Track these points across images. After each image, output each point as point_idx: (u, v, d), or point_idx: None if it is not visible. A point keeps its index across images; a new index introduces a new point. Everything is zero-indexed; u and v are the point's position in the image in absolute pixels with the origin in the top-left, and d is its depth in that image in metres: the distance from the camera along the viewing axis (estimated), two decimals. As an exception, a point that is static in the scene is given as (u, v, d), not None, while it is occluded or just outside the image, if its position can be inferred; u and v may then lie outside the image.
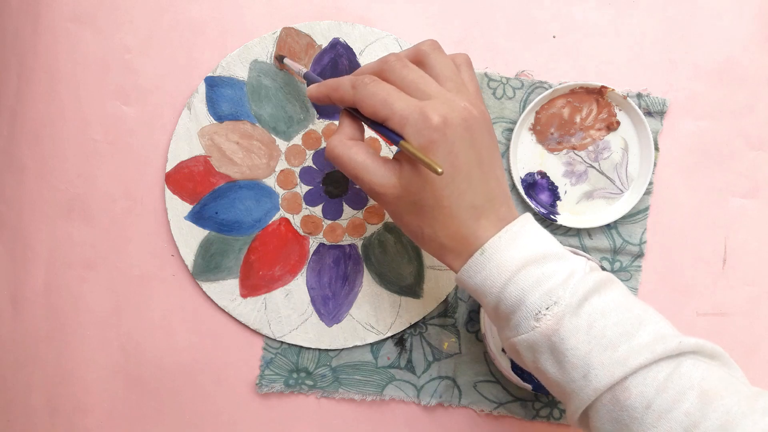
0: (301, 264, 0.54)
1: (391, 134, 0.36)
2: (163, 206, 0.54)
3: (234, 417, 0.54)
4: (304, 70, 0.48)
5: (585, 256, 0.53)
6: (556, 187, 0.54)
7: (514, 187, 0.54)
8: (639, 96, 0.54)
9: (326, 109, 0.54)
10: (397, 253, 0.54)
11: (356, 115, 0.40)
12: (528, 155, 0.54)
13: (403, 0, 0.54)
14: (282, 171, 0.54)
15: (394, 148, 0.54)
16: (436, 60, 0.39)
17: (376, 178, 0.38)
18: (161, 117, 0.54)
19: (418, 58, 0.39)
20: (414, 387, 0.54)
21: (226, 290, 0.54)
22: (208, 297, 0.54)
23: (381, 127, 0.37)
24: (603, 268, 0.52)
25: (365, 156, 0.38)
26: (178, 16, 0.54)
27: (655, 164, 0.54)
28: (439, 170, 0.33)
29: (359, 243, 0.54)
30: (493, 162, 0.38)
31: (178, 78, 0.54)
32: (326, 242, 0.54)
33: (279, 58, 0.52)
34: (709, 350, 0.37)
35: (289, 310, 0.54)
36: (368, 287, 0.54)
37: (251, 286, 0.54)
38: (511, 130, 0.54)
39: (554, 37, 0.55)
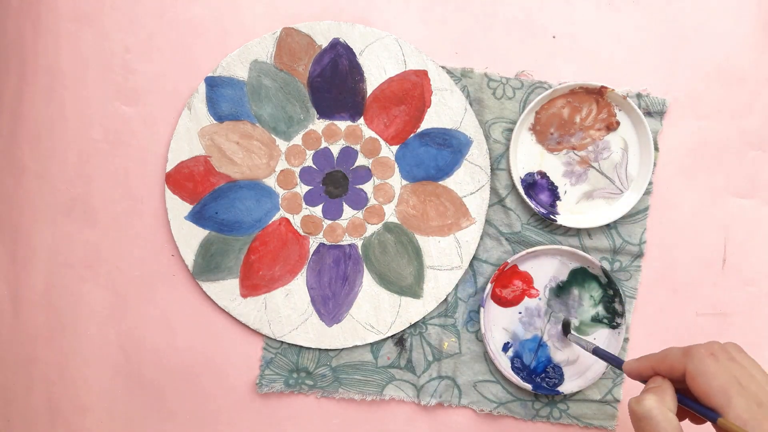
0: (301, 264, 0.54)
1: (707, 411, 0.35)
2: (163, 206, 0.54)
3: (234, 417, 0.54)
4: (593, 345, 0.48)
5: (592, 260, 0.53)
6: (556, 187, 0.54)
7: (513, 187, 0.54)
8: (639, 96, 0.54)
9: (327, 109, 0.54)
10: (397, 253, 0.54)
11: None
12: (528, 155, 0.54)
13: (403, 0, 0.54)
14: (282, 171, 0.54)
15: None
16: (746, 362, 0.38)
17: None
18: (161, 117, 0.54)
19: (730, 356, 0.39)
20: (414, 387, 0.54)
21: (226, 290, 0.54)
22: (208, 297, 0.54)
23: (695, 404, 0.37)
24: (603, 268, 0.52)
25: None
26: (178, 16, 0.54)
27: (654, 164, 0.54)
28: None
29: (359, 243, 0.54)
30: None
31: (178, 78, 0.54)
32: (326, 242, 0.54)
33: (565, 327, 0.53)
34: None
35: (289, 310, 0.54)
36: (368, 287, 0.54)
37: (251, 286, 0.54)
38: (511, 130, 0.54)
39: (554, 37, 0.55)
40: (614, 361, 0.45)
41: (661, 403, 0.37)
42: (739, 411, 0.35)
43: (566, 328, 0.53)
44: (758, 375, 0.37)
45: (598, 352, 0.48)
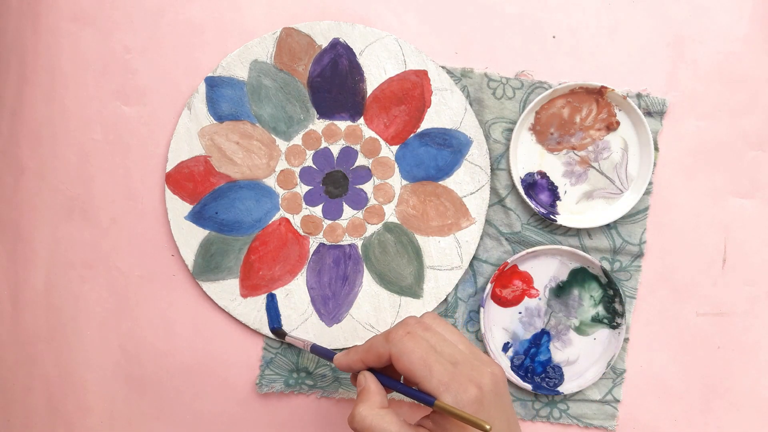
0: (301, 264, 0.54)
1: (424, 396, 0.37)
2: (163, 206, 0.54)
3: (234, 417, 0.54)
4: (311, 343, 0.49)
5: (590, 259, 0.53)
6: (556, 187, 0.54)
7: (513, 187, 0.54)
8: (639, 96, 0.54)
9: (327, 109, 0.54)
10: (397, 253, 0.54)
11: (379, 376, 0.40)
12: (528, 155, 0.54)
13: (403, 0, 0.54)
14: (282, 171, 0.54)
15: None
16: (440, 327, 0.41)
17: None
18: (161, 117, 0.54)
19: (426, 326, 0.41)
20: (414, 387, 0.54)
21: (226, 290, 0.54)
22: (208, 297, 0.54)
23: (411, 389, 0.38)
24: (603, 268, 0.52)
25: (399, 427, 0.37)
26: (178, 16, 0.54)
27: (654, 164, 0.54)
28: (487, 426, 0.34)
29: (359, 243, 0.54)
30: (515, 418, 0.40)
31: (178, 78, 0.54)
32: (326, 242, 0.54)
33: (280, 334, 0.53)
34: None
35: (289, 310, 0.54)
36: (368, 287, 0.54)
37: (251, 286, 0.54)
38: (510, 130, 0.54)
39: (554, 37, 0.55)
40: (327, 355, 0.45)
41: (372, 408, 0.38)
42: (439, 376, 0.36)
43: (279, 334, 0.53)
44: (451, 337, 0.40)
45: (315, 349, 0.48)
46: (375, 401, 0.39)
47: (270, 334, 0.53)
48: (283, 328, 0.53)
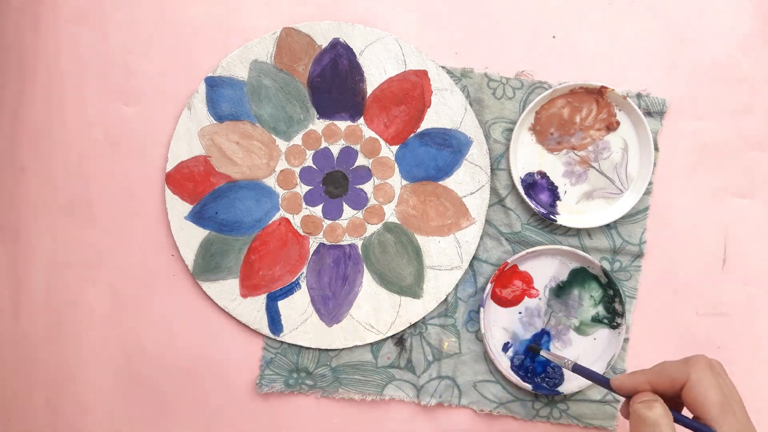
0: (301, 264, 0.54)
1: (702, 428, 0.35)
2: (163, 206, 0.54)
3: (234, 417, 0.54)
4: (573, 362, 0.47)
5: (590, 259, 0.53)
6: (556, 187, 0.54)
7: (513, 187, 0.54)
8: (639, 96, 0.54)
9: (327, 109, 0.54)
10: (397, 253, 0.54)
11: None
12: (528, 155, 0.54)
13: (403, 0, 0.54)
14: (282, 171, 0.54)
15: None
16: (729, 381, 0.39)
17: None
18: (161, 117, 0.54)
19: (722, 369, 0.39)
20: (414, 387, 0.54)
21: (226, 290, 0.54)
22: (208, 297, 0.54)
23: (698, 424, 0.36)
24: (603, 268, 0.52)
25: None
26: (178, 16, 0.54)
27: (654, 164, 0.54)
28: None
29: (359, 243, 0.54)
30: None
31: (178, 78, 0.54)
32: (326, 242, 0.54)
33: (535, 350, 0.52)
34: None
35: (289, 310, 0.54)
36: (368, 287, 0.54)
37: (251, 286, 0.54)
38: (510, 130, 0.54)
39: (554, 37, 0.55)
40: (596, 378, 0.44)
41: (668, 415, 0.36)
42: (732, 426, 0.35)
43: (535, 351, 0.53)
44: (739, 399, 0.38)
45: (577, 369, 0.46)
46: (669, 414, 0.36)
47: (270, 334, 0.54)
48: (539, 346, 0.53)
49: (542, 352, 0.51)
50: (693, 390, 0.36)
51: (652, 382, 0.38)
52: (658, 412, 0.36)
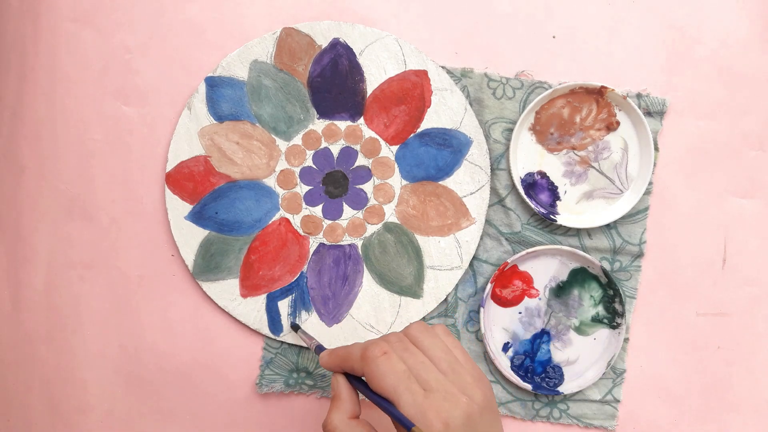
0: (301, 264, 0.54)
1: (401, 417, 0.36)
2: (163, 206, 0.54)
3: (234, 417, 0.54)
4: (316, 342, 0.48)
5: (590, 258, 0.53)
6: (556, 187, 0.54)
7: (513, 187, 0.54)
8: (639, 96, 0.54)
9: (327, 109, 0.54)
10: (397, 253, 0.54)
11: (355, 383, 0.40)
12: (528, 155, 0.54)
13: (403, 0, 0.54)
14: (282, 171, 0.54)
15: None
16: (426, 342, 0.39)
17: None
18: (161, 117, 0.54)
19: (411, 340, 0.40)
20: (414, 387, 0.54)
21: (226, 290, 0.54)
22: (208, 297, 0.54)
23: (385, 402, 0.37)
24: (603, 268, 0.52)
25: None
26: (178, 16, 0.54)
27: (654, 164, 0.54)
28: None
29: (359, 243, 0.54)
30: None
31: (178, 78, 0.54)
32: (326, 242, 0.54)
33: (294, 327, 0.53)
34: None
35: (289, 310, 0.54)
36: (368, 287, 0.54)
37: (251, 286, 0.54)
38: (510, 130, 0.54)
39: (554, 37, 0.55)
40: (318, 351, 0.45)
41: (342, 422, 0.38)
42: (406, 408, 0.36)
43: (294, 328, 0.53)
44: (435, 353, 0.38)
45: (320, 351, 0.46)
46: (346, 409, 0.39)
47: (270, 334, 0.54)
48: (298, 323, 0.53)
49: (299, 332, 0.51)
50: (371, 384, 0.38)
51: (341, 366, 0.41)
52: (331, 426, 0.38)
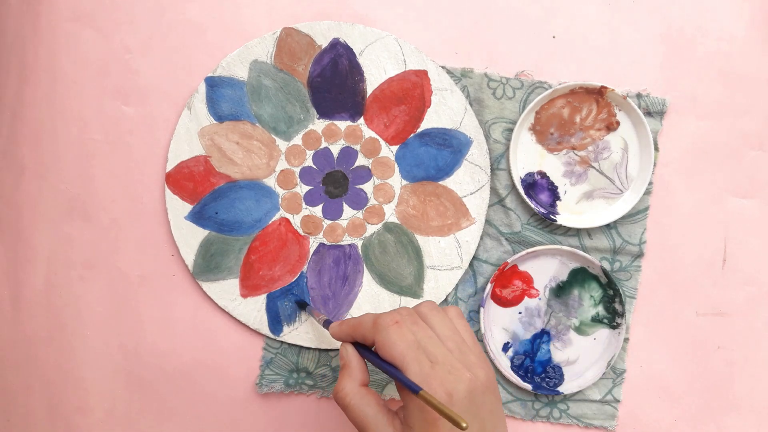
0: (301, 264, 0.54)
1: (408, 382, 0.36)
2: (163, 206, 0.54)
3: (234, 417, 0.54)
4: (324, 317, 0.48)
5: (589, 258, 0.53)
6: (556, 187, 0.54)
7: (513, 187, 0.54)
8: (639, 96, 0.54)
9: (327, 109, 0.54)
10: (397, 253, 0.54)
11: (363, 352, 0.41)
12: (528, 155, 0.54)
13: (403, 0, 0.54)
14: (282, 171, 0.54)
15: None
16: (435, 320, 0.40)
17: None
18: (161, 117, 0.54)
19: (420, 317, 0.41)
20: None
21: (226, 290, 0.54)
22: (208, 297, 0.54)
23: (393, 369, 0.38)
24: (603, 268, 0.52)
25: (377, 410, 0.38)
26: (178, 16, 0.54)
27: (654, 164, 0.54)
28: (464, 425, 0.33)
29: (359, 243, 0.54)
30: (496, 427, 0.39)
31: (178, 78, 0.54)
32: (326, 242, 0.54)
33: (301, 305, 0.53)
34: None
35: (288, 310, 0.54)
36: (368, 287, 0.54)
37: (251, 286, 0.54)
38: (510, 130, 0.54)
39: (554, 37, 0.55)
40: (325, 323, 0.46)
41: (353, 390, 0.39)
42: (413, 376, 0.36)
43: (302, 306, 0.53)
44: (443, 331, 0.39)
45: (327, 325, 0.46)
46: (356, 377, 0.40)
47: (270, 334, 0.54)
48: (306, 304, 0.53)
49: (308, 308, 0.52)
50: (381, 352, 0.38)
51: (352, 335, 0.41)
52: (342, 392, 0.39)
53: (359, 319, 0.41)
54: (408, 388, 0.36)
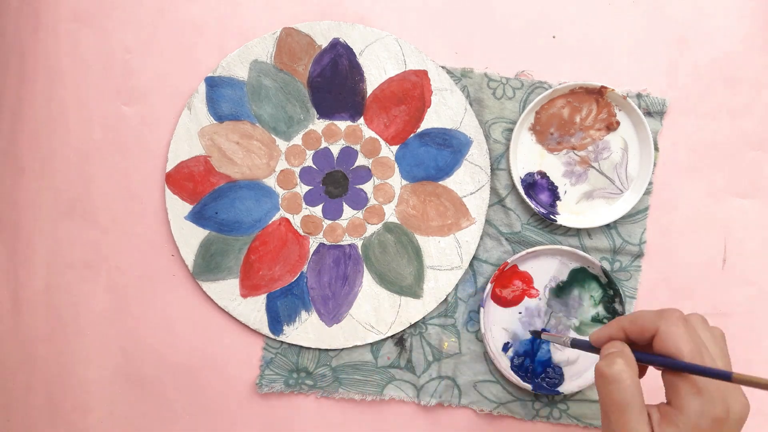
0: (301, 264, 0.54)
1: (715, 371, 0.34)
2: (163, 206, 0.54)
3: (234, 417, 0.54)
4: (569, 336, 0.47)
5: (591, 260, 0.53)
6: (556, 187, 0.54)
7: (513, 187, 0.54)
8: (639, 96, 0.54)
9: (327, 109, 0.54)
10: (397, 253, 0.54)
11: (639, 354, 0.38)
12: (528, 155, 0.54)
13: (403, 0, 0.54)
14: (282, 171, 0.54)
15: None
16: (705, 335, 0.38)
17: (634, 425, 0.35)
18: (161, 117, 0.54)
19: (700, 325, 0.39)
20: (414, 387, 0.54)
21: (226, 290, 0.54)
22: (208, 297, 0.54)
23: (700, 367, 0.35)
24: (603, 268, 0.52)
25: (642, 399, 0.35)
26: (178, 16, 0.54)
27: (654, 164, 0.54)
28: None
29: (359, 243, 0.54)
30: None
31: (178, 78, 0.54)
32: (326, 242, 0.54)
33: (536, 334, 0.52)
34: None
35: (288, 310, 0.54)
36: (368, 287, 0.54)
37: (251, 286, 0.54)
38: (510, 130, 0.54)
39: (554, 37, 0.55)
40: (586, 345, 0.43)
41: (630, 367, 0.36)
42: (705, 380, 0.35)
43: (537, 335, 0.52)
44: (713, 347, 0.38)
45: (575, 343, 0.45)
46: (633, 366, 0.36)
47: (270, 334, 0.54)
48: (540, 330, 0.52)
49: (543, 335, 0.51)
50: (662, 341, 0.36)
51: (625, 329, 0.39)
52: (618, 367, 0.36)
53: (634, 314, 0.39)
54: (715, 376, 0.34)
